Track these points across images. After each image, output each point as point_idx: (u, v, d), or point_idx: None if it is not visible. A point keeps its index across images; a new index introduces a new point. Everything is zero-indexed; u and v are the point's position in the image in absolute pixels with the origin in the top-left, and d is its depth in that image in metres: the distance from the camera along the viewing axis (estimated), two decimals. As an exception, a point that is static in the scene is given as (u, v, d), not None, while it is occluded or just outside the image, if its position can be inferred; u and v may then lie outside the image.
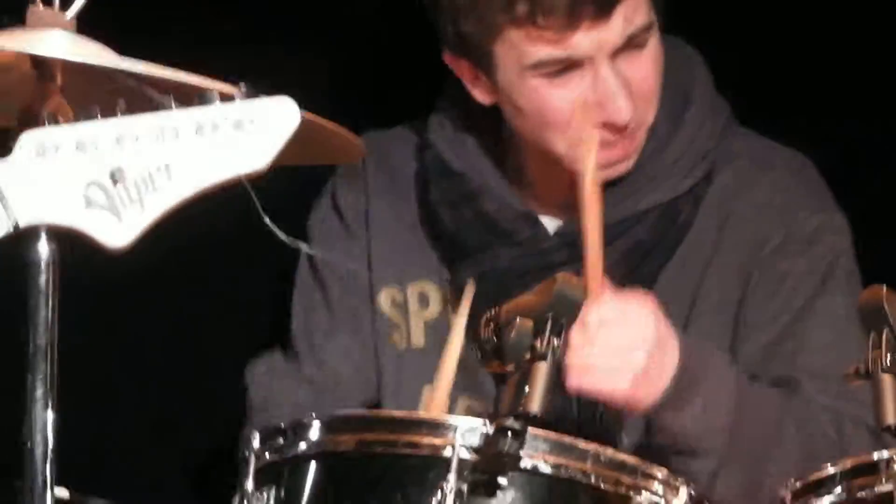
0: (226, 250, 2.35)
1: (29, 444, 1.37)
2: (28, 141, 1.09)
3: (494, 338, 1.36)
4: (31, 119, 1.27)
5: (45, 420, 1.30)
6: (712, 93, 1.95)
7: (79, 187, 1.09)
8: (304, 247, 1.38)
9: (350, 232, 2.00)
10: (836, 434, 1.69)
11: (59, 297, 1.30)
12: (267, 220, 1.22)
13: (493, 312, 1.37)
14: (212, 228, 2.16)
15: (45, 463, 1.31)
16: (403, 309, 1.95)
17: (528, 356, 1.32)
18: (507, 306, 1.38)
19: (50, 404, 1.30)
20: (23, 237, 1.23)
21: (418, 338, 1.94)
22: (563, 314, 1.33)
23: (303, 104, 1.13)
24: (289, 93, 1.10)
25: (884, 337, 1.33)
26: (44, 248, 1.25)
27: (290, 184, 1.54)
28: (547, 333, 1.32)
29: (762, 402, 1.65)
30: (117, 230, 1.10)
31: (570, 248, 1.84)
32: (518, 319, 1.34)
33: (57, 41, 1.26)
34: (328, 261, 1.95)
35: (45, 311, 1.29)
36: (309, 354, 1.96)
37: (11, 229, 1.11)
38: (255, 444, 1.42)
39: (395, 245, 1.97)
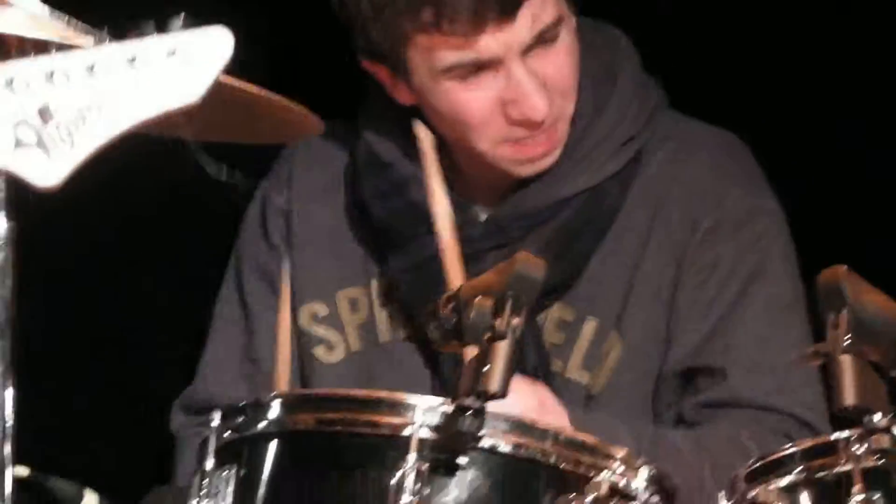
0: (185, 227, 2.38)
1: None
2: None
3: (454, 318, 1.36)
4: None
5: (3, 398, 1.31)
6: (639, 76, 1.96)
7: (8, 127, 1.08)
8: (229, 176, 1.41)
9: (273, 251, 2.03)
10: (762, 440, 1.72)
11: (17, 275, 1.31)
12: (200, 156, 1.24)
13: (453, 292, 1.37)
14: (171, 204, 2.19)
15: (4, 441, 1.32)
16: (335, 319, 1.97)
17: (487, 336, 1.32)
18: (467, 286, 1.38)
19: (8, 382, 1.31)
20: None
21: (355, 342, 1.97)
22: (523, 293, 1.33)
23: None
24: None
25: (842, 317, 1.35)
26: (1, 225, 1.26)
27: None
28: (507, 313, 1.31)
29: (671, 458, 1.65)
30: (47, 169, 1.08)
31: (498, 234, 1.87)
32: (478, 299, 1.34)
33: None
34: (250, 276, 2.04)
35: (1, 290, 1.30)
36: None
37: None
38: (216, 422, 1.42)
39: (320, 255, 2.01)
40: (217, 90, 1.16)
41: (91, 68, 1.09)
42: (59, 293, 2.35)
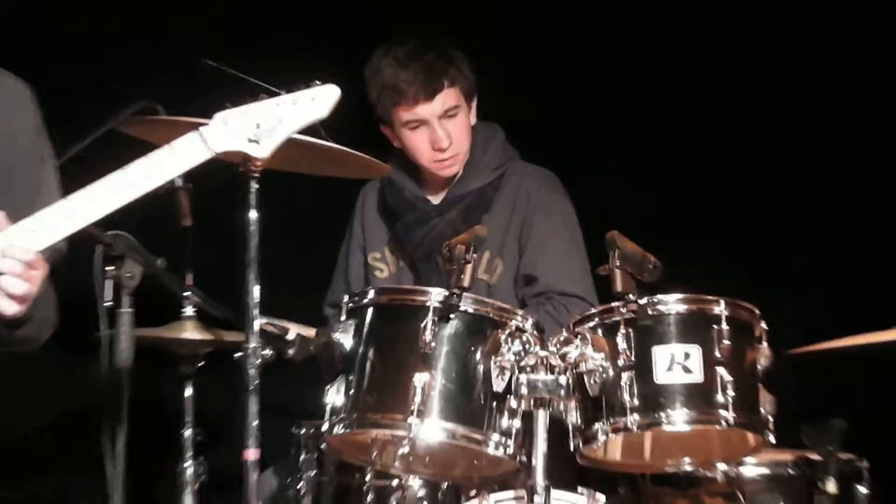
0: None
1: None
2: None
3: (447, 253, 3.03)
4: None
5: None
6: (503, 142, 3.85)
7: (244, 136, 2.57)
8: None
9: (362, 223, 3.96)
10: (557, 312, 3.52)
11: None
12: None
13: (448, 243, 3.06)
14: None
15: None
16: (383, 258, 3.89)
17: (462, 261, 2.98)
18: (454, 239, 3.04)
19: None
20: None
21: (392, 268, 3.89)
22: (477, 243, 3.01)
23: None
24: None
25: (616, 253, 3.02)
26: (252, 217, 2.91)
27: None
28: (470, 251, 2.99)
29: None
30: (260, 151, 2.60)
31: (441, 208, 3.81)
32: (458, 246, 3.01)
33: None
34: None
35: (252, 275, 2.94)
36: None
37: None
38: (345, 300, 3.06)
39: (375, 228, 3.92)
40: (328, 151, 2.84)
41: (277, 104, 2.63)
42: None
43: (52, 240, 2.49)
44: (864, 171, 4.48)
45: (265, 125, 2.58)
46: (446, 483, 3.19)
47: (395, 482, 3.18)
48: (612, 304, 3.00)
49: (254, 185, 2.76)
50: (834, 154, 4.54)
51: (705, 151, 4.62)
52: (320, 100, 2.60)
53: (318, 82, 2.60)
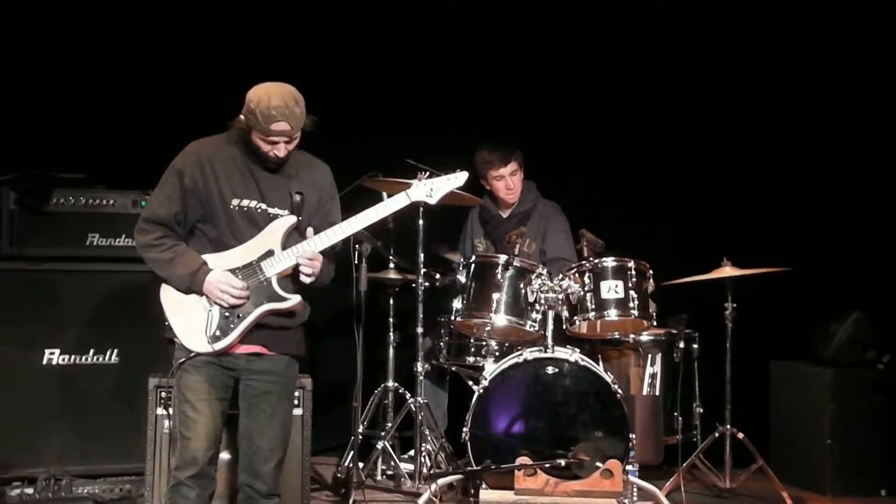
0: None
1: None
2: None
3: (508, 239, 6.46)
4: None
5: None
6: (535, 189, 6.97)
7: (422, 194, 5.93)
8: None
9: (471, 225, 7.15)
10: (555, 267, 6.77)
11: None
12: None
13: (509, 234, 6.53)
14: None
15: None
16: (481, 241, 7.06)
17: (514, 243, 6.44)
18: (511, 233, 6.48)
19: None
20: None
21: (484, 246, 7.04)
22: (521, 235, 6.54)
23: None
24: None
25: (585, 241, 6.51)
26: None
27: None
28: (517, 238, 6.48)
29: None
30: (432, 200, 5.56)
31: (508, 221, 6.94)
32: (513, 236, 6.46)
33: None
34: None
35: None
36: None
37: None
38: (462, 259, 6.59)
39: (476, 228, 7.13)
40: (461, 195, 6.22)
41: (441, 180, 5.75)
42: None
43: (331, 242, 4.68)
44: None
45: (435, 189, 5.18)
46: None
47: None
48: (582, 262, 6.41)
49: (421, 211, 6.21)
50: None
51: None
52: (460, 177, 5.22)
53: (459, 170, 5.22)
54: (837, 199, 7.43)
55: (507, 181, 6.89)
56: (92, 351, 6.09)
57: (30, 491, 5.63)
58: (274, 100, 4.54)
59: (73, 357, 6.05)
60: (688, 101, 7.51)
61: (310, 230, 4.66)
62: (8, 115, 6.64)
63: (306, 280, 4.64)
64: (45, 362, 6.01)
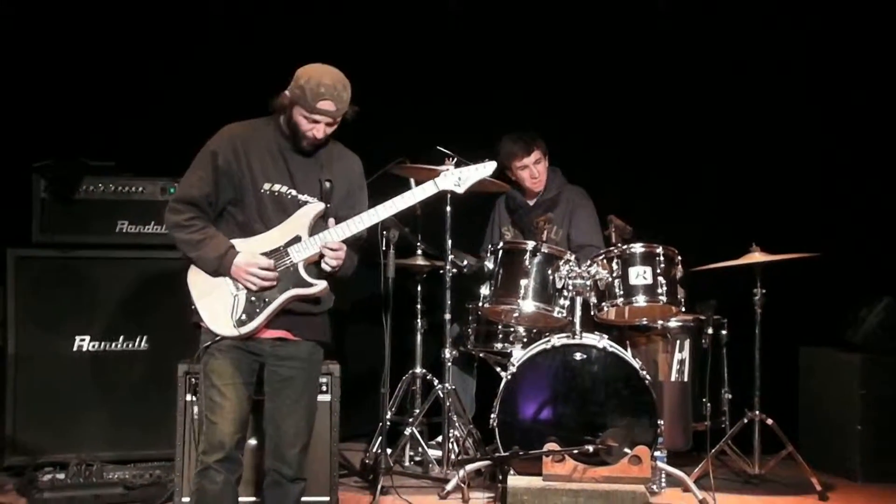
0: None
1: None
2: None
3: (535, 225, 6.53)
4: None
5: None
6: (560, 175, 6.96)
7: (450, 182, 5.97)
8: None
9: (499, 212, 7.14)
10: (583, 254, 6.78)
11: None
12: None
13: (536, 220, 6.56)
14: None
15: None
16: (508, 229, 7.04)
17: (542, 229, 6.51)
18: (538, 219, 6.54)
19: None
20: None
21: (512, 234, 7.04)
22: (548, 222, 6.57)
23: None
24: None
25: (613, 227, 6.51)
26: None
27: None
28: (544, 225, 6.53)
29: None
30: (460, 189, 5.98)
31: (536, 208, 6.91)
32: (540, 223, 6.52)
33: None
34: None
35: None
36: None
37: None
38: (490, 246, 6.60)
39: (503, 215, 7.12)
40: (489, 183, 6.17)
41: (470, 169, 5.77)
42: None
43: (359, 230, 4.65)
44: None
45: (463, 178, 5.11)
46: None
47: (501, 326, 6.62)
48: (610, 248, 6.39)
49: (448, 198, 6.20)
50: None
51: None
52: (489, 167, 5.18)
53: (487, 159, 5.19)
54: (868, 183, 7.38)
55: (532, 170, 6.89)
56: (122, 337, 6.21)
57: (61, 476, 5.71)
58: (325, 78, 4.60)
59: (103, 344, 6.16)
60: (714, 85, 7.48)
61: (331, 221, 4.65)
62: (37, 103, 6.73)
63: (328, 269, 4.64)
64: (75, 349, 6.14)
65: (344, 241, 4.67)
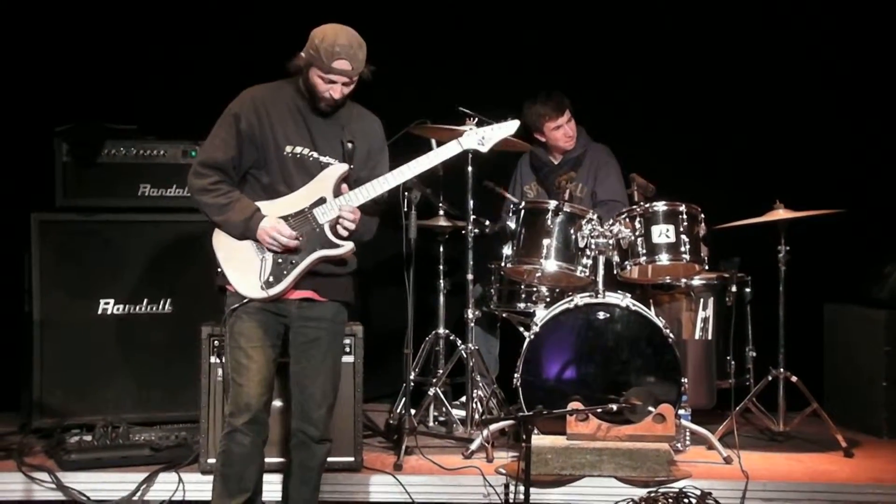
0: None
1: None
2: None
3: (558, 184, 6.48)
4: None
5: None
6: (585, 133, 6.84)
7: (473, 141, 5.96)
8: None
9: (521, 171, 7.10)
10: (607, 211, 6.63)
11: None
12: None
13: (559, 178, 6.53)
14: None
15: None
16: (531, 188, 7.00)
17: (564, 188, 6.47)
18: (561, 177, 6.50)
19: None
20: None
21: (535, 192, 7.00)
22: (570, 180, 6.50)
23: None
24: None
25: (636, 186, 6.50)
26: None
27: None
28: (567, 183, 6.50)
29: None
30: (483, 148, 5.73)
31: (562, 165, 6.85)
32: (562, 181, 6.48)
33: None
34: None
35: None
36: None
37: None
38: (512, 205, 6.59)
39: (527, 174, 7.08)
40: (513, 142, 6.07)
41: (492, 128, 5.56)
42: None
43: (382, 190, 4.71)
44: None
45: (486, 137, 5.13)
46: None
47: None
48: (633, 206, 6.36)
49: (470, 157, 6.13)
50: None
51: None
52: (511, 125, 5.17)
53: (510, 117, 5.20)
54: (892, 138, 7.31)
55: (566, 129, 6.83)
56: (146, 300, 6.25)
57: (88, 438, 5.74)
58: (340, 38, 4.60)
59: (127, 307, 6.21)
60: (736, 40, 7.43)
61: (344, 186, 4.67)
62: (59, 67, 6.76)
63: (343, 233, 4.67)
64: (100, 312, 6.18)
65: (362, 205, 4.66)
